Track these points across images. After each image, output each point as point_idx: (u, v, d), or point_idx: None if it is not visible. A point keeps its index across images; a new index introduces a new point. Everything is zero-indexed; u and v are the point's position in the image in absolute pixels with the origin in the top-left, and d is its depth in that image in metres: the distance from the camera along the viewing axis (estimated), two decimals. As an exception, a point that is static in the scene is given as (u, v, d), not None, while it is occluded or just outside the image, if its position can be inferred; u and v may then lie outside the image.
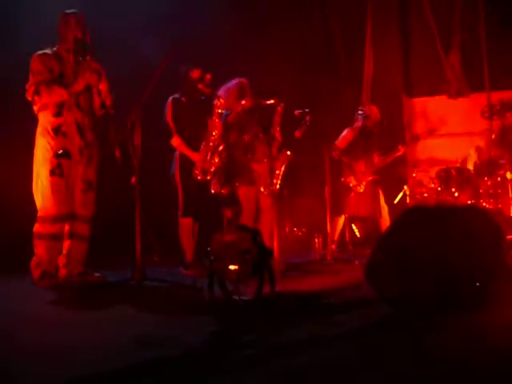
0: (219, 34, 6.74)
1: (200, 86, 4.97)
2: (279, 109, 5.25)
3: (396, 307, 3.01)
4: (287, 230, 8.14)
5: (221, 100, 4.94)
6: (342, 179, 6.76)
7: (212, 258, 3.30)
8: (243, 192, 5.25)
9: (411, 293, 2.96)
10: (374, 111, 6.94)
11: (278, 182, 5.17)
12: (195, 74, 5.04)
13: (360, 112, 6.95)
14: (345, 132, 6.86)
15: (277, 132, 5.34)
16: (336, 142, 6.84)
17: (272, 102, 5.22)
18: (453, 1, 8.72)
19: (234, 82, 5.35)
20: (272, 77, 6.99)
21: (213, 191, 5.09)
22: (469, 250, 3.07)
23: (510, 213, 6.85)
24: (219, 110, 4.96)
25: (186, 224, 5.06)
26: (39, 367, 2.29)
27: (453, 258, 3.01)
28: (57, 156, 4.35)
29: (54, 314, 3.42)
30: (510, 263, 3.35)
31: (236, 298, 3.25)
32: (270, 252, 3.30)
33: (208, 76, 4.97)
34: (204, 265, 4.48)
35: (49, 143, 4.36)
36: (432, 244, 2.98)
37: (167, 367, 2.13)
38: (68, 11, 4.50)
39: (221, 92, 5.31)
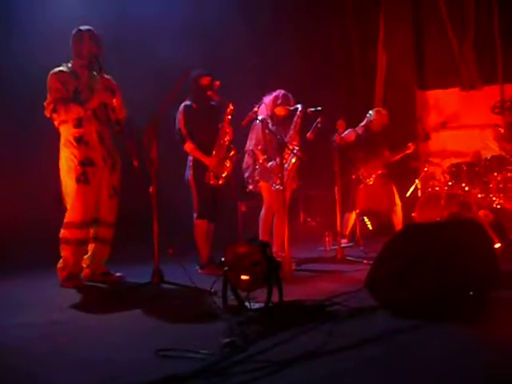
0: (234, 40, 6.92)
1: (209, 92, 5.18)
2: (298, 113, 5.52)
3: (395, 315, 3.25)
4: (301, 220, 8.40)
5: (231, 107, 5.18)
6: (354, 176, 6.99)
7: (226, 268, 3.54)
8: (265, 189, 5.56)
9: (409, 302, 3.20)
10: (384, 115, 7.18)
11: (289, 181, 5.46)
12: (205, 80, 5.23)
13: (368, 114, 7.25)
14: (348, 131, 7.10)
15: (293, 134, 5.62)
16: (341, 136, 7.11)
17: (294, 107, 5.53)
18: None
19: (274, 93, 5.75)
20: (287, 78, 7.18)
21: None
22: (463, 261, 3.30)
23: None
24: (230, 117, 5.20)
25: (201, 226, 5.31)
26: (56, 377, 2.53)
27: (448, 269, 3.23)
28: (82, 164, 4.60)
29: (74, 320, 3.64)
30: (502, 272, 3.58)
31: (247, 305, 3.51)
32: (279, 264, 3.53)
33: (217, 83, 5.17)
34: (218, 264, 4.76)
35: (72, 153, 4.62)
36: (429, 256, 3.21)
37: (182, 381, 2.37)
38: (82, 28, 4.69)
39: (263, 102, 5.69)
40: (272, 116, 5.69)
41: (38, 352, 2.95)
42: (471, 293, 3.38)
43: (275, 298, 3.46)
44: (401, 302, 3.22)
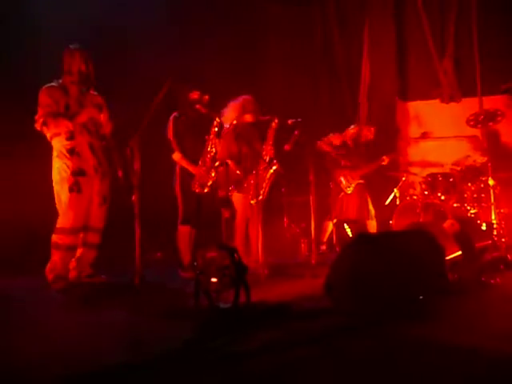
0: (218, 54, 7.23)
1: (198, 106, 5.52)
2: (273, 124, 5.81)
3: (349, 317, 3.57)
4: (285, 225, 8.70)
5: (217, 120, 5.51)
6: (332, 185, 7.30)
7: (197, 271, 3.88)
8: (236, 198, 5.84)
9: (361, 306, 3.53)
10: (372, 133, 7.50)
11: (264, 193, 5.75)
12: (194, 95, 5.59)
13: (352, 128, 7.54)
14: (332, 135, 7.44)
15: (269, 146, 5.88)
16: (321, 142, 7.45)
17: (267, 117, 5.79)
18: (447, 9, 9.15)
19: (240, 98, 5.94)
20: (272, 89, 7.50)
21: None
22: (412, 269, 3.62)
23: (490, 217, 7.30)
24: (216, 129, 5.53)
25: (184, 231, 5.64)
26: (36, 365, 2.86)
27: (398, 275, 3.56)
28: (74, 174, 4.93)
29: (58, 317, 4.03)
30: (451, 279, 3.91)
31: (217, 305, 3.84)
32: (246, 268, 3.84)
33: (206, 97, 5.53)
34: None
35: (65, 164, 4.94)
36: (379, 264, 3.53)
37: (146, 368, 2.71)
38: (72, 46, 5.03)
39: (228, 106, 5.91)
40: (239, 123, 5.83)
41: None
42: (421, 297, 3.71)
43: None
44: (353, 305, 3.54)
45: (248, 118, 5.87)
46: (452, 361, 2.79)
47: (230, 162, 5.76)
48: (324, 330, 3.26)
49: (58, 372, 2.67)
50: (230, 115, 5.90)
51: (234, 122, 5.77)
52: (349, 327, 3.35)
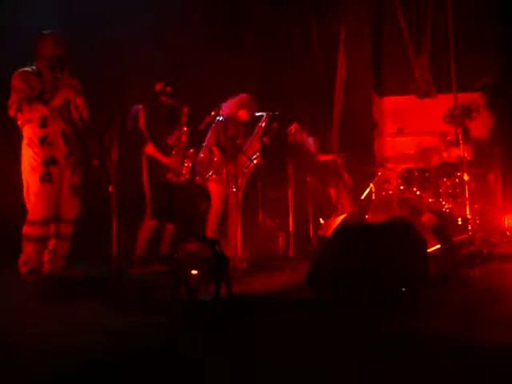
0: (196, 47, 7.16)
1: (162, 98, 5.46)
2: (264, 120, 5.86)
3: (331, 307, 3.54)
4: (260, 220, 8.65)
5: (186, 109, 5.46)
6: (309, 179, 7.29)
7: (178, 263, 3.79)
8: (213, 188, 5.80)
9: (344, 297, 3.50)
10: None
11: (243, 183, 5.72)
12: (158, 86, 5.52)
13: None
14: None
15: (256, 141, 5.92)
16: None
17: (260, 115, 5.83)
18: (424, 6, 9.21)
19: (239, 95, 5.97)
20: (247, 82, 7.44)
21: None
22: (395, 260, 3.60)
23: (465, 212, 7.36)
24: (185, 118, 5.52)
25: (149, 224, 5.53)
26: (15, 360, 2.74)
27: (381, 267, 3.53)
28: (45, 163, 4.75)
29: (31, 309, 3.88)
30: (433, 271, 3.90)
31: (197, 297, 3.76)
32: (227, 260, 3.78)
33: (168, 88, 5.47)
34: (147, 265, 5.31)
35: (36, 153, 4.74)
36: (361, 255, 3.51)
37: (128, 361, 2.62)
38: (45, 32, 4.86)
39: (226, 102, 5.94)
40: (233, 117, 5.89)
41: None
42: (403, 288, 3.69)
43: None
44: (335, 296, 3.51)
45: (243, 114, 5.92)
46: (437, 349, 2.77)
47: (214, 148, 5.79)
48: (307, 321, 3.21)
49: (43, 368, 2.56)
50: (226, 110, 5.92)
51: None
52: (332, 318, 3.30)
